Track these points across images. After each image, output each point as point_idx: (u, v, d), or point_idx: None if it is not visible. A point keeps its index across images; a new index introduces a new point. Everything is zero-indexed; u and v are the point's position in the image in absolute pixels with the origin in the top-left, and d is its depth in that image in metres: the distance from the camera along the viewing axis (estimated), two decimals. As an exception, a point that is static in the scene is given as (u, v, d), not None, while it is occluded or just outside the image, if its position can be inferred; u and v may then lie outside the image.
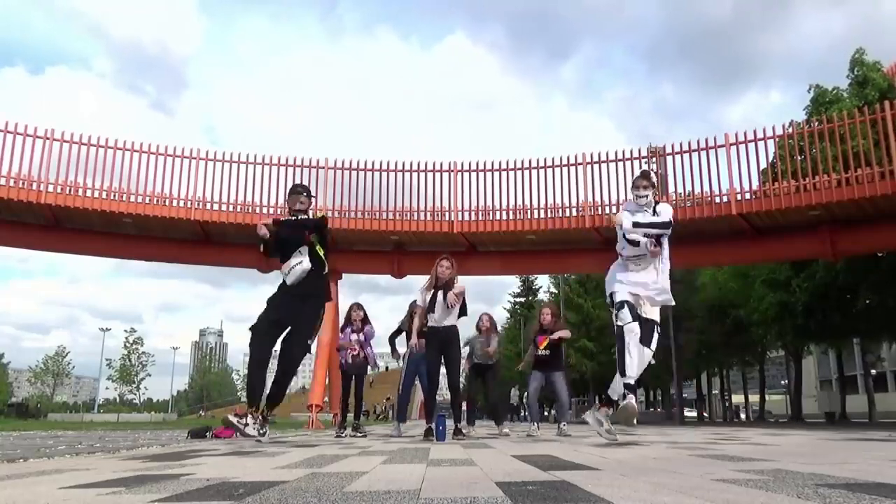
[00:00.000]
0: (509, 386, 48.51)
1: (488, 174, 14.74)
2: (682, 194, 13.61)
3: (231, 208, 14.26)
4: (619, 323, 4.66)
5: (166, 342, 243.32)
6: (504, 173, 14.67)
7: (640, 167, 14.28)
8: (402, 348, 8.25)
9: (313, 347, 5.32)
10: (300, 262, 4.72)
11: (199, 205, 14.15)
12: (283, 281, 4.78)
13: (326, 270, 4.93)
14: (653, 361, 4.81)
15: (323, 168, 14.93)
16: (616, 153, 14.25)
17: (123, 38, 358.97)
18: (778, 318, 19.75)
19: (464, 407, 7.78)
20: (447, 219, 14.53)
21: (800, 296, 18.29)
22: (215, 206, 14.22)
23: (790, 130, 13.33)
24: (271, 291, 4.86)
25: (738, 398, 46.54)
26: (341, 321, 8.58)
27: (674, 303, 4.98)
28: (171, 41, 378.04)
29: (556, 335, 7.86)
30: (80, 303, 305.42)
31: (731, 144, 13.17)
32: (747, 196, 12.84)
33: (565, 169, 14.36)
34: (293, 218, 4.83)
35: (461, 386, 6.73)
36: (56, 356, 76.91)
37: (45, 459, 3.70)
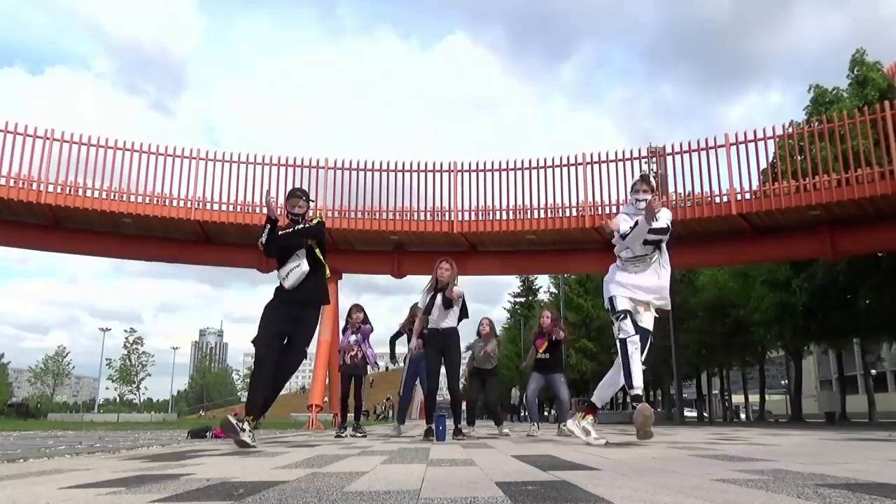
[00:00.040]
0: (509, 386, 48.58)
1: (488, 174, 14.74)
2: (682, 194, 13.60)
3: (231, 208, 14.25)
4: (622, 336, 4.63)
5: (166, 342, 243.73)
6: (504, 173, 14.67)
7: (640, 167, 14.30)
8: (402, 348, 8.30)
9: (312, 347, 5.33)
10: (298, 265, 4.70)
11: (199, 205, 14.14)
12: (281, 285, 4.74)
13: (326, 273, 4.92)
14: (644, 367, 4.82)
15: (323, 168, 14.93)
16: (616, 153, 14.25)
17: (123, 38, 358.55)
18: (778, 318, 19.74)
19: (464, 407, 7.81)
20: (447, 219, 14.53)
21: (800, 296, 18.29)
22: (215, 206, 14.22)
23: (790, 130, 13.33)
24: (271, 291, 4.84)
25: (738, 398, 46.56)
26: (342, 321, 8.58)
27: (669, 307, 4.97)
28: (171, 41, 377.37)
29: (553, 336, 8.05)
30: (80, 303, 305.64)
31: (731, 144, 13.16)
32: (747, 196, 12.83)
33: (565, 169, 14.36)
34: (290, 230, 4.83)
35: (461, 386, 6.75)
36: (56, 356, 77.09)
37: (45, 459, 3.70)
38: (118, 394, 76.33)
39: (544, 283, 49.41)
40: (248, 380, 4.98)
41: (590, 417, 4.85)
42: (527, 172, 14.55)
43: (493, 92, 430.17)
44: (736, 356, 29.35)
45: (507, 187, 14.53)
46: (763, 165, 13.12)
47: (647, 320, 4.83)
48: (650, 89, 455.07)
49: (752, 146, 13.01)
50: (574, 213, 14.04)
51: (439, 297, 6.22)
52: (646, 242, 4.77)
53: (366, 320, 8.00)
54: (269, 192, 5.17)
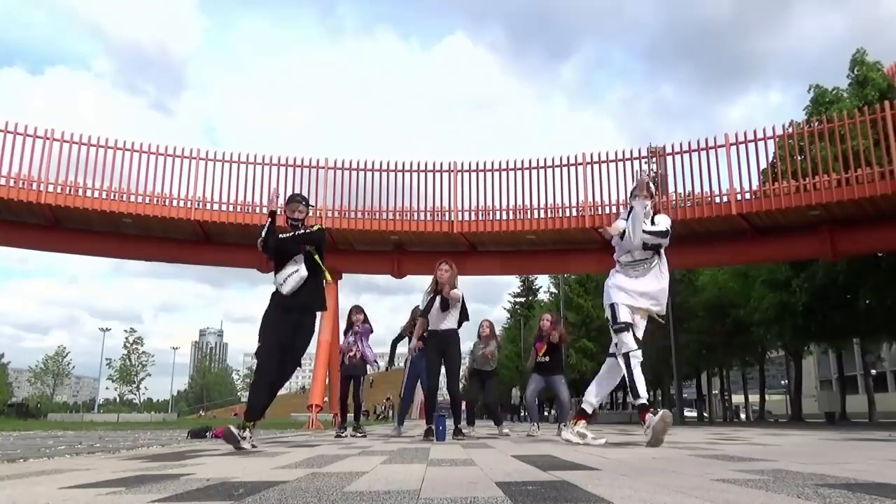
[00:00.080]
0: (510, 386, 48.61)
1: (488, 174, 14.74)
2: (682, 194, 13.60)
3: (231, 208, 14.25)
4: (624, 350, 4.64)
5: (166, 342, 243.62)
6: (504, 173, 14.67)
7: (640, 167, 14.28)
8: (402, 349, 8.33)
9: (312, 347, 5.34)
10: (296, 271, 4.69)
11: (199, 205, 14.14)
12: (278, 290, 4.72)
13: (325, 279, 4.92)
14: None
15: (323, 168, 14.93)
16: (616, 153, 14.24)
17: (123, 38, 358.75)
18: (778, 318, 19.74)
19: (463, 407, 7.83)
20: (447, 219, 14.53)
21: (800, 296, 18.28)
22: (215, 206, 14.21)
23: (790, 130, 13.33)
24: (271, 291, 4.83)
25: (738, 398, 46.55)
26: (342, 321, 8.60)
27: (664, 312, 4.97)
28: (171, 41, 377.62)
29: (551, 338, 8.14)
30: (80, 303, 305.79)
31: (731, 144, 13.16)
32: (747, 196, 12.83)
33: (565, 169, 14.36)
34: (290, 234, 4.83)
35: (461, 387, 6.76)
36: (56, 356, 77.04)
37: (45, 459, 3.70)
38: (118, 394, 76.34)
39: (544, 283, 49.42)
40: (249, 386, 4.99)
41: (582, 422, 4.88)
42: (527, 172, 14.55)
43: (493, 92, 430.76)
44: (736, 356, 29.35)
45: (507, 187, 14.55)
46: (763, 165, 13.13)
47: (640, 329, 4.88)
48: (650, 89, 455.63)
49: (752, 146, 13.01)
50: (574, 213, 14.03)
51: (438, 298, 6.23)
52: (646, 247, 4.79)
53: (366, 321, 8.02)
54: (275, 190, 5.19)
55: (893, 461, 3.01)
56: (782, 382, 48.68)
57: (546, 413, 35.46)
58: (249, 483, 2.18)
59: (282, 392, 5.12)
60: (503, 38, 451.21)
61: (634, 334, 4.73)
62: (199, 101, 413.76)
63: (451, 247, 14.81)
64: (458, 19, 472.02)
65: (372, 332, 8.05)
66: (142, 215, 13.84)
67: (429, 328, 6.45)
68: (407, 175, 14.93)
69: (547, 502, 1.67)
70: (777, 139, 13.29)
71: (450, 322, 6.30)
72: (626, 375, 4.66)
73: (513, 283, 56.51)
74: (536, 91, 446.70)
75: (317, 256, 4.81)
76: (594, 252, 14.48)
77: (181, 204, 14.06)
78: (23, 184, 13.07)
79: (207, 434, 7.55)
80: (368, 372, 8.27)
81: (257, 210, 14.19)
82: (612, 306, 4.78)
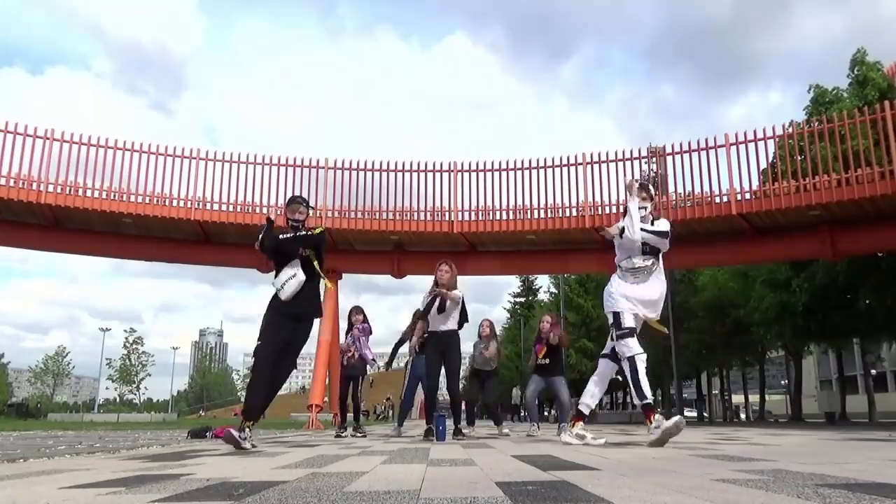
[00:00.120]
0: (510, 386, 48.64)
1: (488, 174, 14.74)
2: (682, 194, 13.60)
3: (231, 208, 14.25)
4: (630, 354, 4.66)
5: (166, 342, 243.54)
6: (504, 173, 14.67)
7: (640, 167, 14.30)
8: (403, 349, 8.35)
9: (312, 347, 5.37)
10: (294, 275, 4.71)
11: (199, 205, 14.14)
12: (276, 295, 4.74)
13: (323, 283, 4.94)
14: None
15: (323, 168, 14.93)
16: (616, 153, 14.24)
17: (123, 38, 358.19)
18: (778, 318, 19.74)
19: (463, 407, 7.84)
20: (447, 219, 14.53)
21: (800, 296, 18.28)
22: (215, 206, 14.21)
23: (790, 130, 13.33)
24: (271, 292, 4.84)
25: (738, 398, 46.55)
26: (342, 321, 8.61)
27: (658, 317, 4.99)
28: (171, 41, 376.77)
29: (551, 340, 8.19)
30: (80, 303, 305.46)
31: (731, 144, 13.16)
32: (747, 196, 12.83)
33: (565, 169, 14.35)
34: (291, 235, 4.84)
35: (461, 387, 6.77)
36: (56, 356, 77.04)
37: (45, 459, 3.70)
38: (118, 394, 76.34)
39: (544, 283, 49.43)
40: (247, 386, 5.01)
41: (580, 423, 4.89)
42: (527, 172, 14.55)
43: (493, 92, 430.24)
44: (736, 356, 29.35)
45: (507, 187, 14.54)
46: (763, 165, 13.13)
47: (637, 331, 4.91)
48: (650, 89, 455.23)
49: (752, 146, 13.01)
50: (574, 213, 14.03)
51: (437, 299, 6.25)
52: (645, 252, 4.79)
53: (365, 322, 8.04)
54: (274, 208, 5.24)
55: (893, 461, 3.01)
56: (782, 382, 48.68)
57: (546, 413, 35.47)
58: (249, 483, 2.18)
59: (282, 392, 5.14)
60: (503, 38, 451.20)
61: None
62: (199, 101, 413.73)
63: (451, 247, 14.81)
64: (458, 19, 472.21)
65: (371, 332, 8.07)
66: (142, 215, 13.84)
67: (429, 329, 6.47)
68: (407, 175, 14.94)
69: (547, 502, 1.67)
70: (777, 139, 13.29)
71: (450, 323, 6.32)
72: (630, 378, 4.67)
73: (513, 283, 56.58)
74: (536, 91, 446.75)
75: (315, 263, 4.83)
76: (594, 252, 14.47)
77: (181, 204, 14.06)
78: (23, 184, 13.07)
79: (207, 434, 7.56)
80: (368, 372, 8.28)
81: (257, 210, 14.19)
82: (618, 314, 4.79)
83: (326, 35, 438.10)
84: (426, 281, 6.70)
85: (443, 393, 7.67)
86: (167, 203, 13.99)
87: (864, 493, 1.76)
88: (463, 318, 6.42)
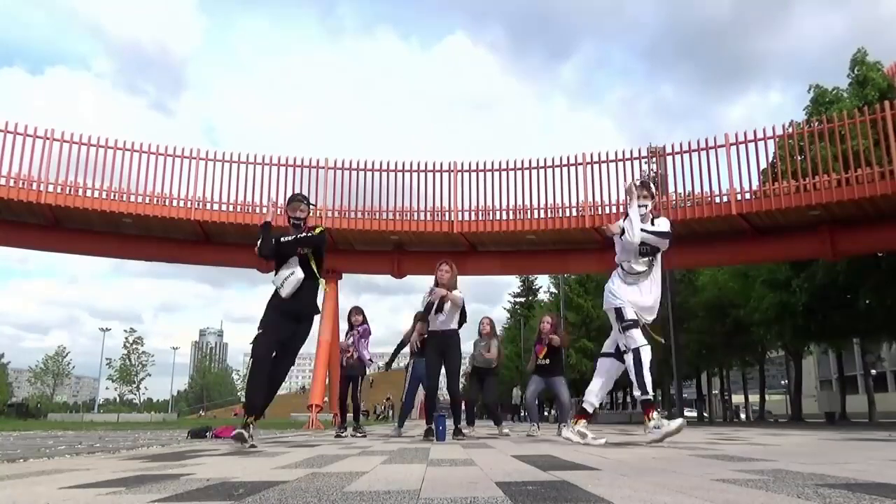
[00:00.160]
0: (510, 386, 48.63)
1: (488, 174, 14.74)
2: (682, 194, 13.60)
3: (231, 208, 14.24)
4: (635, 345, 4.66)
5: (166, 342, 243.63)
6: (504, 173, 14.66)
7: (640, 167, 14.29)
8: (405, 349, 8.37)
9: (312, 347, 5.39)
10: (293, 273, 4.74)
11: (199, 205, 14.13)
12: (276, 292, 4.77)
13: (320, 284, 4.96)
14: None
15: (323, 168, 14.92)
16: (616, 153, 14.24)
17: (123, 38, 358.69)
18: (778, 318, 19.74)
19: (463, 407, 7.84)
20: (447, 219, 14.52)
21: (800, 296, 18.29)
22: (215, 206, 14.21)
23: (790, 130, 13.32)
24: (271, 292, 4.85)
25: (738, 398, 46.55)
26: (342, 321, 8.62)
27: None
28: (171, 41, 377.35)
29: (551, 341, 8.18)
30: (80, 303, 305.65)
31: (731, 144, 13.16)
32: (747, 196, 12.82)
33: (565, 169, 14.35)
34: (291, 237, 4.86)
35: (461, 386, 6.77)
36: (56, 356, 77.02)
37: (45, 459, 3.70)
38: (118, 394, 76.30)
39: (544, 283, 49.43)
40: (247, 380, 5.04)
41: (582, 421, 4.90)
42: (527, 172, 14.54)
43: (493, 92, 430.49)
44: (736, 356, 29.36)
45: (507, 187, 14.54)
46: (763, 165, 13.12)
47: None
48: (650, 89, 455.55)
49: (752, 146, 13.00)
50: (574, 213, 14.03)
51: (437, 300, 6.26)
52: (644, 254, 4.80)
53: (364, 322, 8.05)
54: (274, 202, 5.29)
55: (893, 461, 3.01)
56: (782, 382, 48.68)
57: (546, 413, 35.46)
58: (249, 483, 2.18)
59: (282, 392, 5.16)
60: (503, 38, 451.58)
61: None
62: (199, 101, 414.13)
63: (451, 247, 14.81)
64: (458, 19, 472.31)
65: (370, 333, 8.07)
66: (142, 215, 13.83)
67: (429, 329, 6.47)
68: (407, 175, 14.93)
69: (547, 502, 1.67)
70: (777, 139, 13.29)
71: (450, 323, 6.32)
72: (633, 370, 4.66)
73: (513, 283, 56.59)
74: (536, 91, 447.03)
75: (313, 263, 4.85)
76: (594, 252, 14.48)
77: (181, 204, 14.06)
78: (23, 184, 13.07)
79: (207, 434, 7.55)
80: (368, 372, 8.28)
81: (257, 210, 14.18)
82: (620, 310, 4.81)
83: (326, 35, 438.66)
84: (426, 281, 6.72)
85: (443, 393, 7.67)
86: (167, 203, 13.98)
87: (864, 493, 1.76)
88: (462, 317, 6.43)
